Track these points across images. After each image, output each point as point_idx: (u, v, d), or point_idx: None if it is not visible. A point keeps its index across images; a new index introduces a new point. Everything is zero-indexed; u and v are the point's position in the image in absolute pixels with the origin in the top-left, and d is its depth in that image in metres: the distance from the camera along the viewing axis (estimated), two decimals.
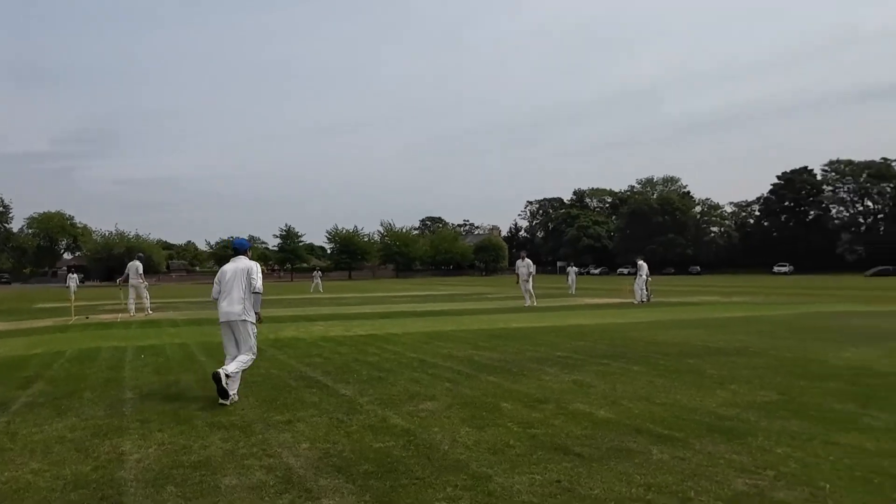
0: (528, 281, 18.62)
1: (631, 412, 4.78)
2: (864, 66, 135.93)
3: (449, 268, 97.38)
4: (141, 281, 15.77)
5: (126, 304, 16.27)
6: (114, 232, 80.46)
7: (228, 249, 63.73)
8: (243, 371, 5.48)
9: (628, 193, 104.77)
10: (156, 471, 3.41)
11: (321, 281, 36.56)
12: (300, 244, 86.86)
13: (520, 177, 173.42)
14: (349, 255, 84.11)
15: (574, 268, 28.14)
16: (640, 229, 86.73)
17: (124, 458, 3.66)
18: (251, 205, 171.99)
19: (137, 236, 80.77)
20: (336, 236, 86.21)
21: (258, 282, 5.65)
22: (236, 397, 5.22)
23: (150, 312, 15.83)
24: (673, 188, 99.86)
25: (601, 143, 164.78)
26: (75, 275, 27.73)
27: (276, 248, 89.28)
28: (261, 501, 2.98)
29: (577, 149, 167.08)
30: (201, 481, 3.25)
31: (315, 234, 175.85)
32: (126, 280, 16.01)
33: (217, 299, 5.75)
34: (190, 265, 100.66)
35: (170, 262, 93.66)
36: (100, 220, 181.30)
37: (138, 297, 15.93)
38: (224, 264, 5.98)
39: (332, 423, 4.50)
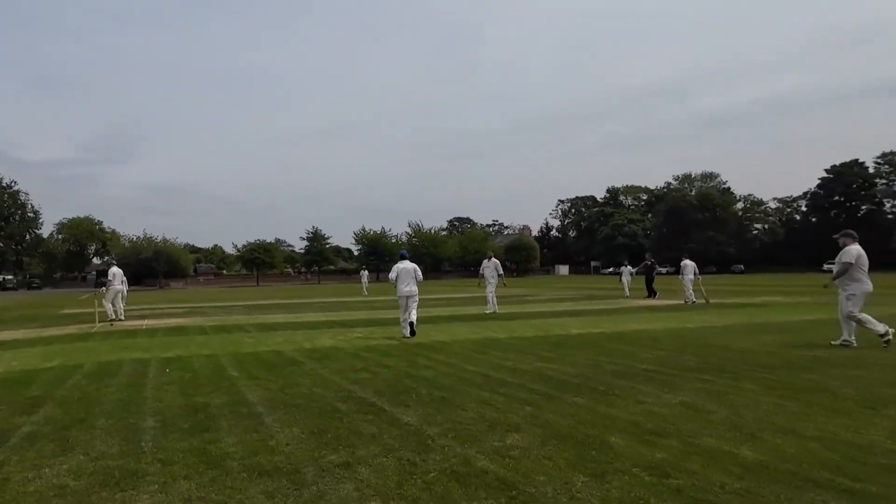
0: (493, 284, 16.34)
1: (784, 452, 3.73)
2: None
3: (479, 268, 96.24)
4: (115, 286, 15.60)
5: (115, 310, 15.81)
6: (141, 236, 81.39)
7: (256, 253, 65.05)
8: None
9: (665, 190, 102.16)
10: None
11: (367, 282, 35.10)
12: (327, 246, 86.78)
13: (548, 176, 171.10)
14: (377, 256, 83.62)
15: (629, 267, 25.47)
16: (678, 227, 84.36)
17: None
18: (272, 208, 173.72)
19: (165, 240, 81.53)
20: (363, 238, 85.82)
21: (420, 275, 10.97)
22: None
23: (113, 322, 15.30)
24: (712, 184, 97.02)
25: (627, 141, 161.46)
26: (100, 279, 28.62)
27: (302, 251, 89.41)
28: None
29: (603, 146, 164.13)
30: None
31: (341, 237, 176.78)
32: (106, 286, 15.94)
33: (395, 283, 10.76)
34: (217, 268, 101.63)
35: (197, 265, 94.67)
36: (123, 224, 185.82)
37: (109, 302, 15.57)
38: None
39: (403, 467, 3.56)
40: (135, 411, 5.08)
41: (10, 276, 74.46)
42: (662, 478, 3.31)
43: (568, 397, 5.38)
